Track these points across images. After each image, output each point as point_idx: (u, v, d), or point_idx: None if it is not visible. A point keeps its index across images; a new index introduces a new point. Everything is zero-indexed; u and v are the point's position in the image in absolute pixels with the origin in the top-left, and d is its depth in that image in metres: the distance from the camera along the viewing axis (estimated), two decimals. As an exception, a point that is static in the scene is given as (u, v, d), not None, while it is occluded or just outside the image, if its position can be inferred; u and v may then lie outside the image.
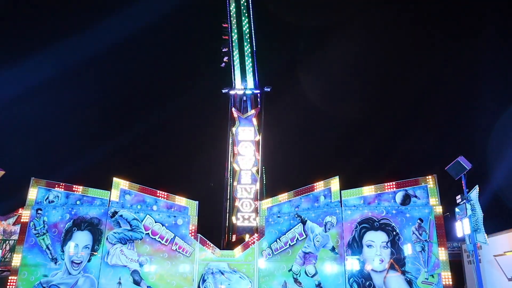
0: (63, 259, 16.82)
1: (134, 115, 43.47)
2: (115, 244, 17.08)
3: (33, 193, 17.69)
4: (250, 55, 25.76)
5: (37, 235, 17.13)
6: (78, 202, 17.59)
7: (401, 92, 41.44)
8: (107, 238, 17.09)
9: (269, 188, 24.66)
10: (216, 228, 23.85)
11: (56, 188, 17.79)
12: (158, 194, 18.10)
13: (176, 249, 17.53)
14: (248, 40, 25.61)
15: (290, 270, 16.88)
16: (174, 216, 17.95)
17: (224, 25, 26.77)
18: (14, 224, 21.36)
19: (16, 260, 16.86)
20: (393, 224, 15.88)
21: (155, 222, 17.67)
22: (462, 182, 15.03)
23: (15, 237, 19.38)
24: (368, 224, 16.13)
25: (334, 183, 16.93)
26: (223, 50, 27.07)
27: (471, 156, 14.85)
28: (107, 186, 17.74)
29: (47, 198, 17.67)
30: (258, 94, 25.67)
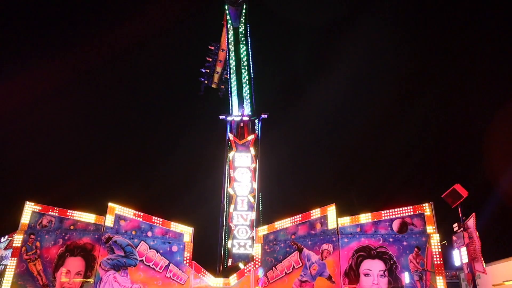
0: (55, 286, 16.45)
1: (130, 140, 43.50)
2: (108, 271, 16.76)
3: (26, 217, 17.45)
4: (247, 82, 26.00)
5: (28, 260, 16.80)
6: (72, 227, 17.35)
7: (399, 119, 41.82)
8: (100, 264, 16.78)
9: (266, 215, 24.42)
10: (212, 255, 23.48)
11: (50, 212, 17.57)
12: (153, 220, 17.90)
13: (170, 276, 17.22)
14: (246, 67, 25.90)
15: (286, 299, 16.58)
16: (169, 243, 17.71)
17: (210, 47, 27.48)
18: (5, 248, 20.99)
19: (6, 286, 16.48)
20: (390, 253, 15.70)
21: (150, 248, 17.42)
22: (459, 210, 14.98)
23: (6, 262, 19.01)
24: (365, 252, 15.95)
25: (331, 210, 16.83)
26: (203, 71, 27.62)
27: (468, 184, 14.87)
28: (102, 211, 17.56)
29: (41, 222, 17.44)
30: (255, 121, 25.78)
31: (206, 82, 27.91)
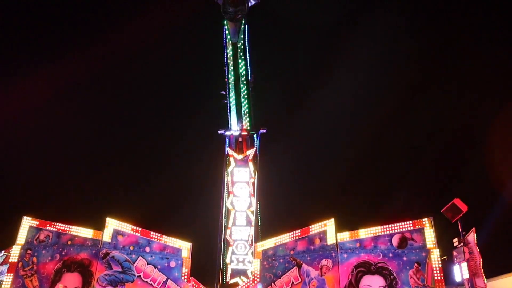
0: (51, 302, 16.23)
1: (128, 155, 43.44)
2: (105, 287, 16.53)
3: (23, 232, 17.29)
4: (246, 96, 26.10)
5: (25, 276, 16.61)
6: (69, 242, 17.17)
7: (399, 133, 41.89)
8: (97, 280, 16.57)
9: (265, 229, 24.30)
10: (210, 271, 23.29)
11: (47, 227, 17.43)
12: (151, 235, 17.74)
13: (168, 292, 17.02)
14: (245, 81, 26.02)
15: (285, 315, 16.38)
16: (167, 258, 17.54)
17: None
18: (1, 264, 20.79)
19: (2, 302, 16.33)
20: (390, 268, 15.53)
21: (148, 264, 17.23)
22: (459, 224, 14.93)
23: (2, 277, 18.80)
24: (365, 268, 15.79)
25: (330, 225, 16.71)
26: (224, 93, 27.29)
27: (468, 198, 14.84)
28: (100, 226, 17.41)
29: (38, 237, 17.27)
30: (254, 135, 25.83)
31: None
